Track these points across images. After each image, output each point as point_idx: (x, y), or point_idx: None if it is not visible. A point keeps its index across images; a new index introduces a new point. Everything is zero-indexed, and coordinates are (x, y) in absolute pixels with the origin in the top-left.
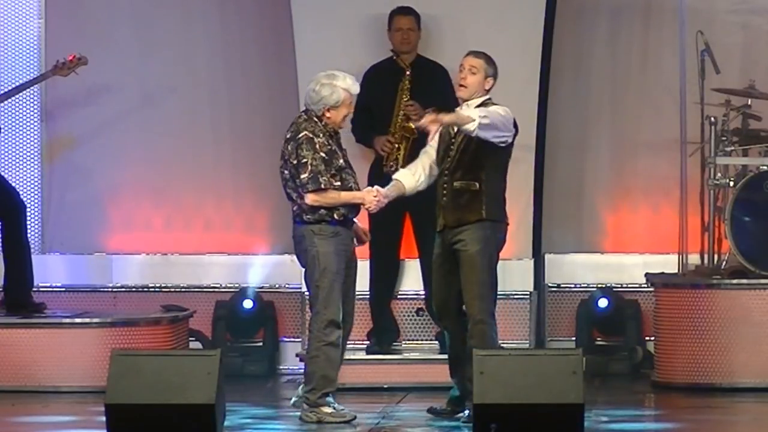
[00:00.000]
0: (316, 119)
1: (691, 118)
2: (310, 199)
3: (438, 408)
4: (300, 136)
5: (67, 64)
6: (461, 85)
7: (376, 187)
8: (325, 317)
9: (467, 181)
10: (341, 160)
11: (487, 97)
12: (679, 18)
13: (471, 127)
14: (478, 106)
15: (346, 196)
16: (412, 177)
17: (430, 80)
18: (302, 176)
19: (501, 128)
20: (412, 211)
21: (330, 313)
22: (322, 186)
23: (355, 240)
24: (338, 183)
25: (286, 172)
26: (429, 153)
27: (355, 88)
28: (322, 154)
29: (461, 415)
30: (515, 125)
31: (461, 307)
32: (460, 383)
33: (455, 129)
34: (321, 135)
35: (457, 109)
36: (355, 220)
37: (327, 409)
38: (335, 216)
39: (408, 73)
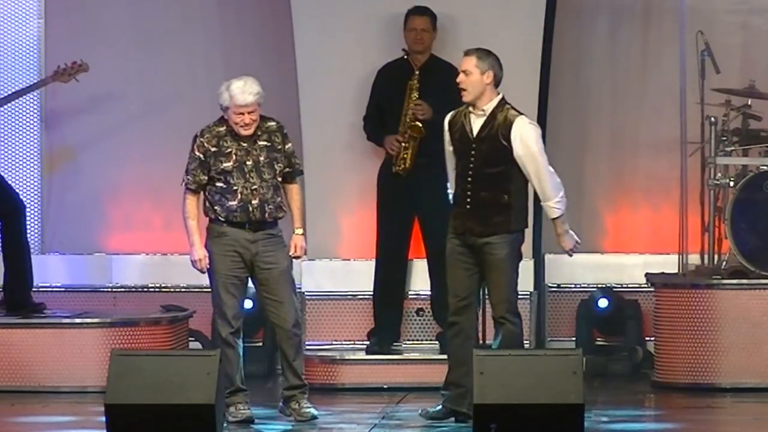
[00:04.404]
0: (226, 119)
1: (691, 118)
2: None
3: (431, 410)
4: None
5: (68, 70)
6: (462, 89)
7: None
8: (216, 317)
9: (495, 193)
10: (228, 164)
11: (499, 98)
12: (679, 18)
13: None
14: (497, 111)
15: (189, 227)
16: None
17: (440, 81)
18: None
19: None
20: (421, 212)
21: (218, 313)
22: (182, 182)
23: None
24: (221, 184)
25: None
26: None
27: (241, 99)
28: (198, 154)
29: (451, 419)
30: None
31: (479, 305)
32: (465, 378)
33: (473, 134)
34: (207, 135)
35: (557, 221)
36: (297, 229)
37: (231, 408)
38: (218, 215)
39: (417, 72)
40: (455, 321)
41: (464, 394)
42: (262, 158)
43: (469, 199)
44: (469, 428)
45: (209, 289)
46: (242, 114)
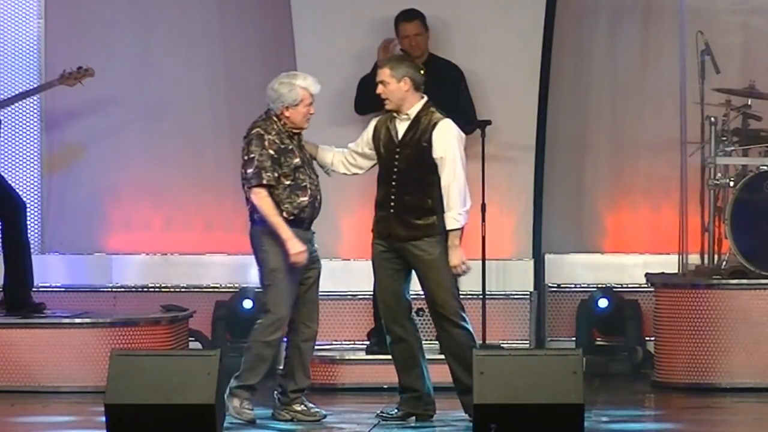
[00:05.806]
0: (275, 118)
1: (691, 118)
2: (252, 194)
3: (389, 412)
4: (251, 132)
5: (74, 74)
6: (384, 99)
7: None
8: (273, 316)
9: (419, 197)
10: (297, 160)
11: (423, 101)
12: (679, 18)
13: (461, 225)
14: (421, 114)
15: (279, 223)
16: (329, 156)
17: (443, 80)
18: (248, 171)
19: (464, 172)
20: None
21: (277, 312)
22: (264, 182)
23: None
24: (289, 182)
25: (242, 170)
26: (358, 150)
27: (315, 88)
28: (270, 152)
29: (411, 419)
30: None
31: (411, 307)
32: (416, 382)
33: (398, 138)
34: (273, 133)
35: (451, 233)
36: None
37: (236, 401)
38: (284, 215)
39: (422, 72)
40: (390, 328)
41: (419, 397)
42: (308, 155)
43: (392, 203)
44: (466, 427)
45: (209, 289)
46: (312, 104)
